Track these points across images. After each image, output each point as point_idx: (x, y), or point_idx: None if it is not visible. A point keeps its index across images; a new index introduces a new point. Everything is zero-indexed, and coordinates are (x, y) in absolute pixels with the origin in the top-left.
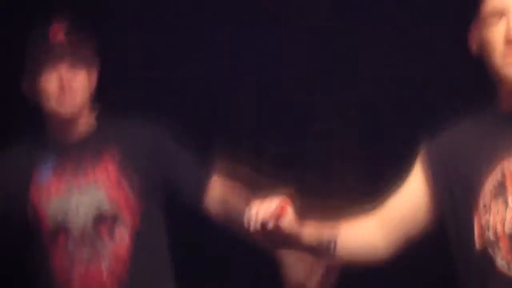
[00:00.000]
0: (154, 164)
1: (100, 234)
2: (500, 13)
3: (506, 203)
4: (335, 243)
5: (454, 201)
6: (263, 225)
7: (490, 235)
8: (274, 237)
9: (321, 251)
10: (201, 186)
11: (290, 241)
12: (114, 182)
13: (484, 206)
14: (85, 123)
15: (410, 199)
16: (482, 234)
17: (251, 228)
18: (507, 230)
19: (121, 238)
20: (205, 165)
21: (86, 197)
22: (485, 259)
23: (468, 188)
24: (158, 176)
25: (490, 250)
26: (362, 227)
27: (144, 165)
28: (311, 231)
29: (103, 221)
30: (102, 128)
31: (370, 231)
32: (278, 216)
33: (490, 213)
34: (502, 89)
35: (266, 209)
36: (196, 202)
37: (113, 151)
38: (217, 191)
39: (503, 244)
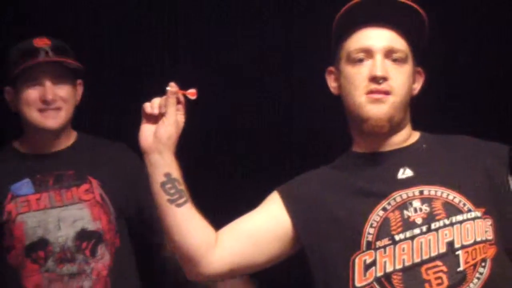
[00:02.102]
0: (130, 188)
1: (82, 251)
2: (366, 51)
3: (392, 239)
4: (184, 194)
5: (321, 238)
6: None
7: (377, 272)
8: (166, 102)
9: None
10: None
11: (167, 123)
12: (98, 202)
13: (368, 244)
14: (66, 137)
15: (267, 222)
16: (365, 272)
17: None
18: (397, 266)
19: (103, 256)
20: None
21: (68, 213)
22: None
23: (340, 226)
24: (132, 198)
25: (377, 287)
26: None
27: (123, 187)
28: (176, 165)
29: (86, 238)
30: (83, 145)
31: (211, 229)
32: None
33: (376, 250)
34: (360, 128)
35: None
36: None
37: (97, 171)
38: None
39: (396, 280)
